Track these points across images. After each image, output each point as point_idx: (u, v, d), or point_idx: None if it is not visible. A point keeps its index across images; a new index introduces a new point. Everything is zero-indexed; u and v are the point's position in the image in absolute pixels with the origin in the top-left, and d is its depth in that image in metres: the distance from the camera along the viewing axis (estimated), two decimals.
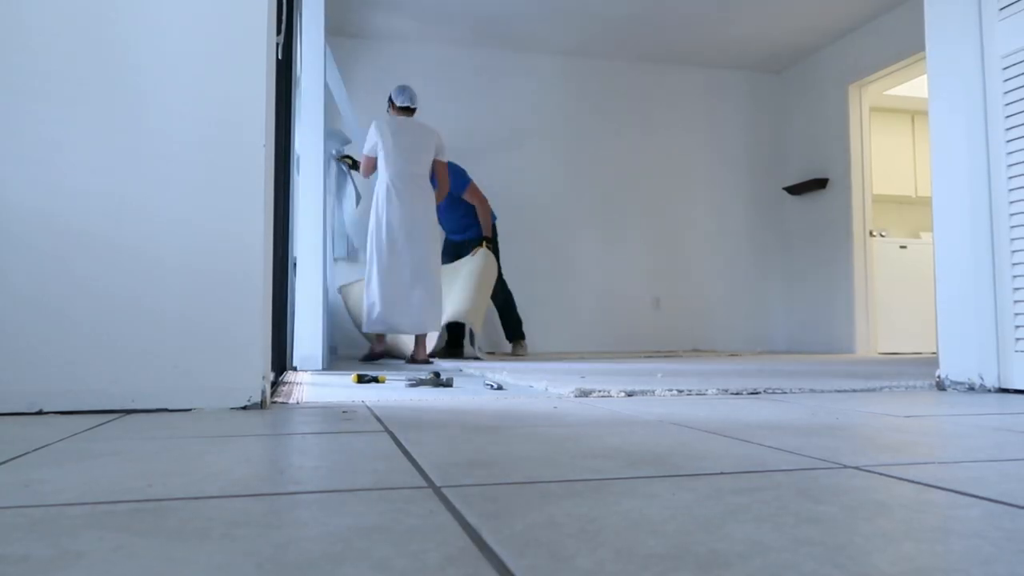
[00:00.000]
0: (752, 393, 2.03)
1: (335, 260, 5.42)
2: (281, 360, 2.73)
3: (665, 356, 5.23)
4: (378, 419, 1.45)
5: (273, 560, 0.55)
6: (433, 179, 4.29)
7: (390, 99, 4.33)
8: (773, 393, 2.04)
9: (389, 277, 4.05)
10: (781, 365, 3.67)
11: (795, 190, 6.35)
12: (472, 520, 0.66)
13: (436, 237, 4.24)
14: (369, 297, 4.08)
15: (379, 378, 2.43)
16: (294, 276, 3.32)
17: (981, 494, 0.76)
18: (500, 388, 2.20)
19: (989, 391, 2.09)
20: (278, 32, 2.13)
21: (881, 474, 0.88)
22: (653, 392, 2.01)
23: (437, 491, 0.79)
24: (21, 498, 0.77)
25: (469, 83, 6.24)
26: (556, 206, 6.34)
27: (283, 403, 1.78)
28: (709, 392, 2.04)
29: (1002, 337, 2.07)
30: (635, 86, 6.56)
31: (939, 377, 2.22)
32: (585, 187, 6.40)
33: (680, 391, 2.04)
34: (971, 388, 2.13)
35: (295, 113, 3.33)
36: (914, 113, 6.92)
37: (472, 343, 4.78)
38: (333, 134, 4.99)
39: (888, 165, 6.78)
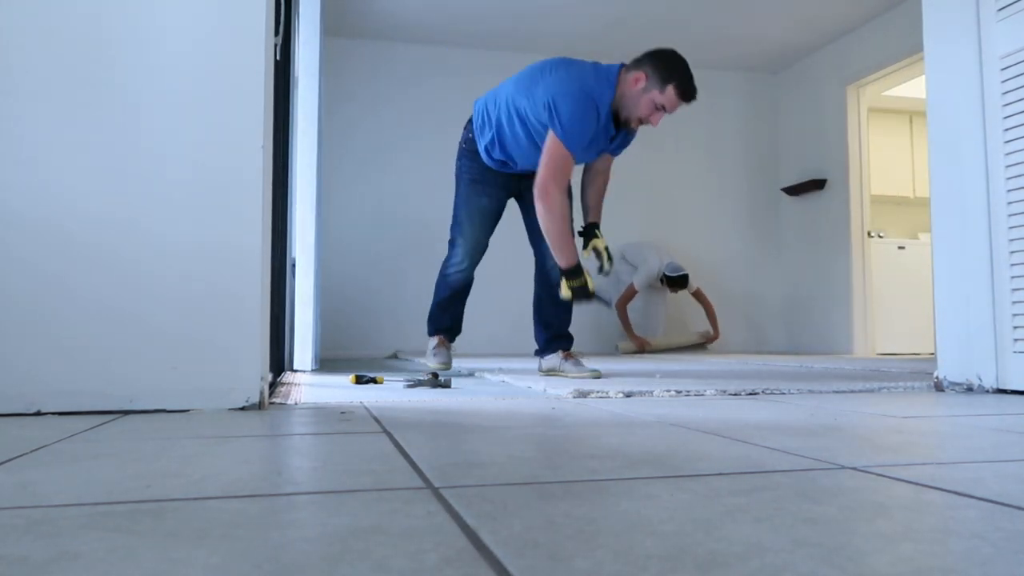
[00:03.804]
0: (750, 394, 2.03)
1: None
2: (279, 361, 2.73)
3: (663, 356, 5.23)
4: (376, 420, 1.45)
5: (271, 560, 0.55)
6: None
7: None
8: (771, 394, 2.05)
9: None
10: (779, 365, 3.67)
11: (793, 191, 6.35)
12: (470, 521, 0.66)
13: None
14: None
15: (377, 379, 2.43)
16: (293, 278, 3.32)
17: (979, 495, 0.76)
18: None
19: (987, 392, 2.09)
20: (276, 33, 2.12)
21: (879, 475, 0.88)
22: (651, 393, 2.01)
23: (435, 492, 0.79)
24: (19, 499, 0.77)
25: (468, 83, 6.24)
26: None
27: (281, 404, 1.78)
28: (707, 393, 2.04)
29: (1000, 338, 2.07)
30: None
31: (937, 378, 2.23)
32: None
33: (678, 392, 2.04)
34: (969, 389, 2.13)
35: (293, 113, 3.33)
36: (912, 114, 6.93)
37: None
38: None
39: (886, 166, 6.79)
